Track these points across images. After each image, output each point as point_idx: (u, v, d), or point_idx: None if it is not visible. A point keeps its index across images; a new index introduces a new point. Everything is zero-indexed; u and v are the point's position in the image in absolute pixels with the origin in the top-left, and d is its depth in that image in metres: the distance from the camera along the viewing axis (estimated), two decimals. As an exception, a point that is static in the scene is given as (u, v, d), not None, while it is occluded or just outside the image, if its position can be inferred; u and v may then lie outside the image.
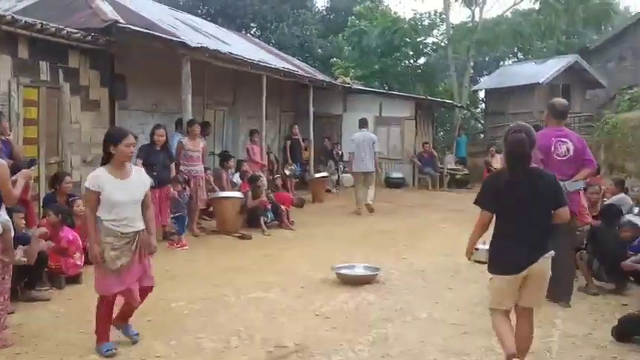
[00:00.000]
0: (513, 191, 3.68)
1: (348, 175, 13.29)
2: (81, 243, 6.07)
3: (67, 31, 7.62)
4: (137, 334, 4.39)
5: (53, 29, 7.35)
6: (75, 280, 5.90)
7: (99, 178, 4.07)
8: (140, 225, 4.19)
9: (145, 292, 4.33)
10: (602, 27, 20.93)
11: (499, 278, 3.72)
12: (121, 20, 8.51)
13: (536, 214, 3.68)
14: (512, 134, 3.71)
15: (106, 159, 4.16)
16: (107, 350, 4.10)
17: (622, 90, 18.83)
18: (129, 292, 4.18)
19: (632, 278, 5.82)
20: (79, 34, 7.85)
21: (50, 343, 4.34)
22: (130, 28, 8.37)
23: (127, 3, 10.40)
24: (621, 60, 21.25)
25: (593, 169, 5.44)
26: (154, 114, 10.05)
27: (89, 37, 8.06)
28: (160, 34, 8.80)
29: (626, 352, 4.32)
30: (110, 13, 8.76)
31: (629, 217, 6.60)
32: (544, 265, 3.70)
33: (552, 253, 3.75)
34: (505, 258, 3.68)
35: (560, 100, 5.72)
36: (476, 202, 3.87)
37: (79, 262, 5.93)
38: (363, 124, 11.51)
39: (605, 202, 7.11)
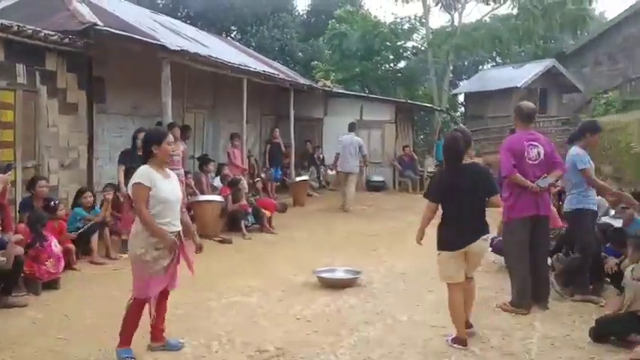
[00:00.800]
0: (453, 183, 4.42)
1: (332, 172, 14.15)
2: (60, 249, 5.98)
3: (45, 34, 7.51)
4: (181, 342, 4.40)
5: (30, 31, 7.24)
6: (52, 285, 5.80)
7: (150, 174, 4.04)
8: (179, 226, 4.21)
9: (164, 295, 4.28)
10: (579, 32, 21.21)
11: (445, 254, 4.46)
12: (99, 22, 8.41)
13: (473, 202, 4.43)
14: (450, 133, 4.69)
15: (144, 161, 4.15)
16: (126, 357, 4.01)
17: (598, 94, 19.17)
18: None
19: (608, 279, 5.90)
20: (56, 37, 7.75)
21: (28, 349, 4.28)
22: (108, 30, 8.28)
23: (104, 4, 10.29)
24: (597, 65, 21.59)
25: (563, 171, 5.48)
26: (133, 117, 9.94)
27: (67, 40, 7.96)
28: (139, 37, 8.71)
29: (603, 353, 4.39)
30: (88, 15, 8.66)
31: (605, 219, 6.71)
32: (481, 245, 4.49)
33: (489, 236, 4.59)
34: (450, 238, 4.43)
35: (527, 104, 5.66)
36: (424, 195, 4.64)
37: (52, 270, 5.78)
38: (351, 127, 12.26)
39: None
